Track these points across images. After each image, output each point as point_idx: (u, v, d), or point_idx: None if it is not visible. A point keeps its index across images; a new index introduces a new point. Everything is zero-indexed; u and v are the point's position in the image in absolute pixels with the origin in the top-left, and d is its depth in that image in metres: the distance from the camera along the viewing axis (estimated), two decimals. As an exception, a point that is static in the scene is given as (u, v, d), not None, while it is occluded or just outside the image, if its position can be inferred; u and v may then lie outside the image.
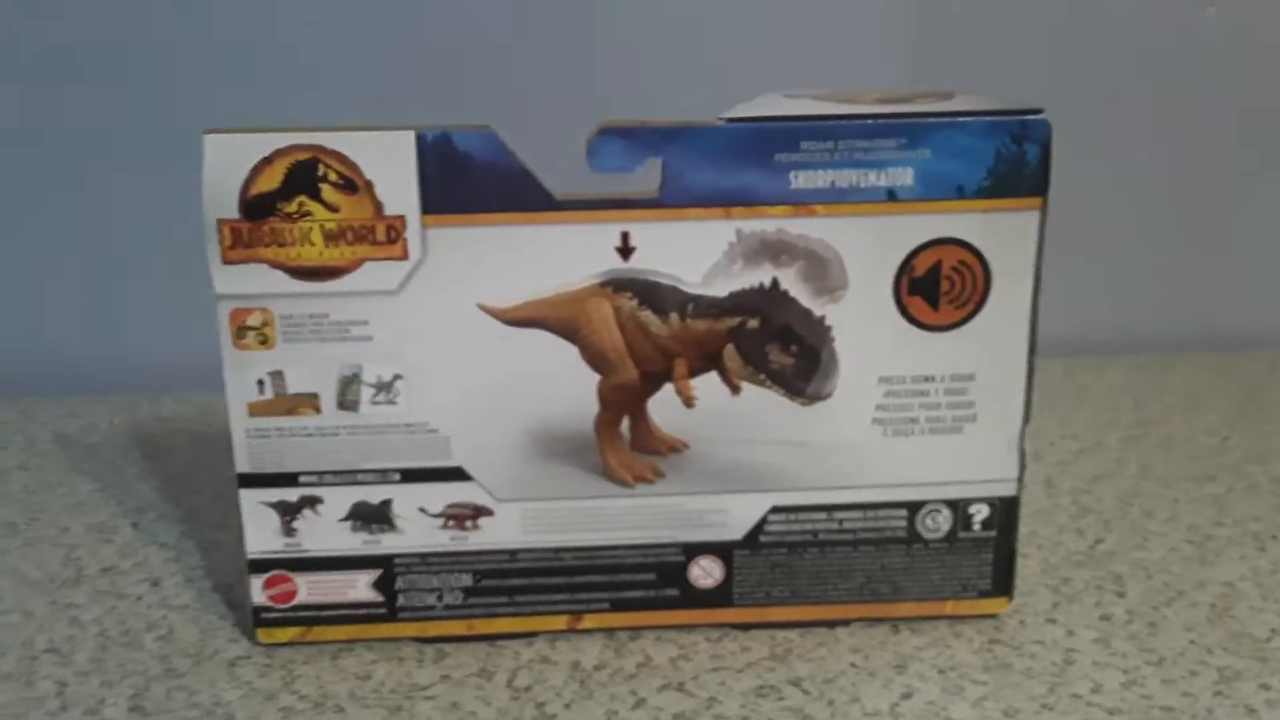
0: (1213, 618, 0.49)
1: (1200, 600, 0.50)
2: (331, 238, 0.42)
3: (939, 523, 0.47)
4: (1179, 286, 0.88)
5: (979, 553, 0.47)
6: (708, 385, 0.45)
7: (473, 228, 0.42)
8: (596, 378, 0.44)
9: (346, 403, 0.44)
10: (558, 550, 0.46)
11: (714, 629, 0.48)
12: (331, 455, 0.45)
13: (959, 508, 0.46)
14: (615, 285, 0.43)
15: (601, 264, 0.43)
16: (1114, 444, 0.67)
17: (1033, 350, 0.45)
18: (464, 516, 0.46)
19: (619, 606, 0.47)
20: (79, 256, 0.81)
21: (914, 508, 0.46)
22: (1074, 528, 0.57)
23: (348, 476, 0.45)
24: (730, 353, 0.44)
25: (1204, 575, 0.52)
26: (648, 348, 0.44)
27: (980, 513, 0.47)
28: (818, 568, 0.47)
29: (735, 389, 0.45)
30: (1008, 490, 0.46)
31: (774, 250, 0.43)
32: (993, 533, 0.47)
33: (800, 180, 0.42)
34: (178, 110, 0.76)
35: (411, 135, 0.42)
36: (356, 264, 0.43)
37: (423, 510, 0.45)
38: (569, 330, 0.44)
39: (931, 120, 0.42)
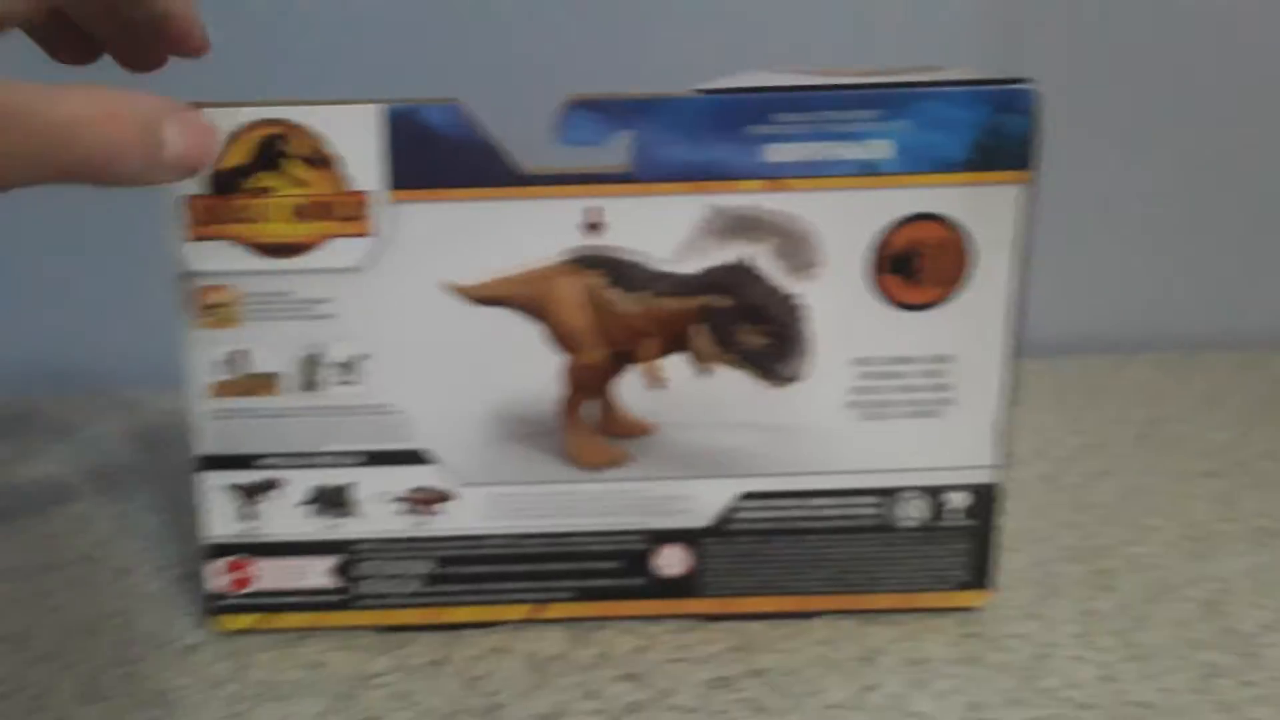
0: (1203, 614, 0.47)
1: (1192, 596, 0.48)
2: (297, 213, 0.41)
3: (914, 511, 0.45)
4: (1209, 279, 0.83)
5: (956, 543, 0.45)
6: (677, 366, 0.43)
7: (439, 203, 0.41)
8: (563, 358, 0.43)
9: (309, 383, 0.43)
10: (521, 536, 0.45)
11: (681, 620, 0.46)
12: (293, 437, 0.44)
13: (935, 495, 0.45)
14: (583, 262, 0.42)
15: (570, 240, 0.42)
16: (1123, 441, 0.65)
17: (1016, 332, 0.43)
18: (426, 501, 0.44)
19: (583, 595, 0.46)
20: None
21: (888, 494, 0.45)
22: (1069, 523, 0.55)
23: (308, 459, 0.44)
24: (699, 332, 0.43)
25: (1200, 571, 0.50)
26: (616, 327, 0.43)
27: (958, 501, 0.45)
28: (789, 557, 0.45)
29: (705, 370, 0.43)
30: (988, 477, 0.45)
31: (747, 226, 0.42)
32: (972, 522, 0.45)
33: (773, 154, 0.41)
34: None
35: (378, 109, 0.40)
36: (321, 240, 0.42)
37: (384, 494, 0.44)
38: (536, 309, 0.43)
39: (911, 90, 0.41)
